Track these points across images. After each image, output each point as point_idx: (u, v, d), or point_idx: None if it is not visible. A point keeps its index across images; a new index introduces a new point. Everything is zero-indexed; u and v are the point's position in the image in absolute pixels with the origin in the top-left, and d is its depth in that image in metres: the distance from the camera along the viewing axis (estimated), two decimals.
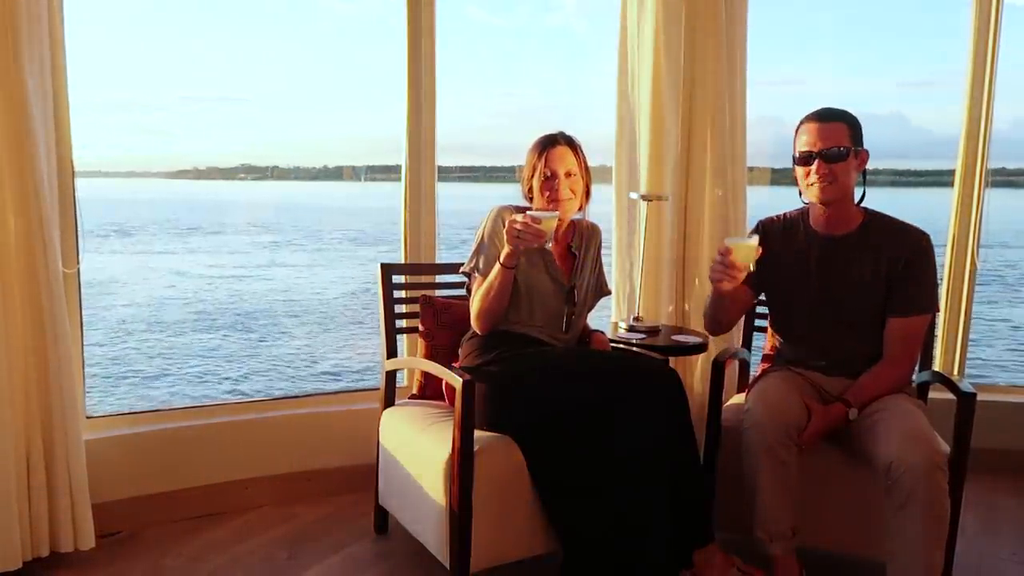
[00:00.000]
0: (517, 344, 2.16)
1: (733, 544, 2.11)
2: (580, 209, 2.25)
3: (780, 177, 2.22)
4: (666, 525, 1.92)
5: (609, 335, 2.52)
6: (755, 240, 1.93)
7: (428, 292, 2.58)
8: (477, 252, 2.18)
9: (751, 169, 3.00)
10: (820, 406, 2.03)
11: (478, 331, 2.16)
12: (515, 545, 2.00)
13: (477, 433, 1.95)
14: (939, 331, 3.06)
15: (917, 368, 2.34)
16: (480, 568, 1.95)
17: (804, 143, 2.05)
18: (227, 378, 7.59)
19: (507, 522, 1.98)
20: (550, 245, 2.04)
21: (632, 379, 2.01)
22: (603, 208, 2.93)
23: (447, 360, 2.29)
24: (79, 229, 2.33)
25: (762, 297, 2.53)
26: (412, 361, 2.61)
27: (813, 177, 2.03)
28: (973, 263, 3.05)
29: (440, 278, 2.73)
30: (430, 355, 2.41)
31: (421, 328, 2.46)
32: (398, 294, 2.54)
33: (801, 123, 2.07)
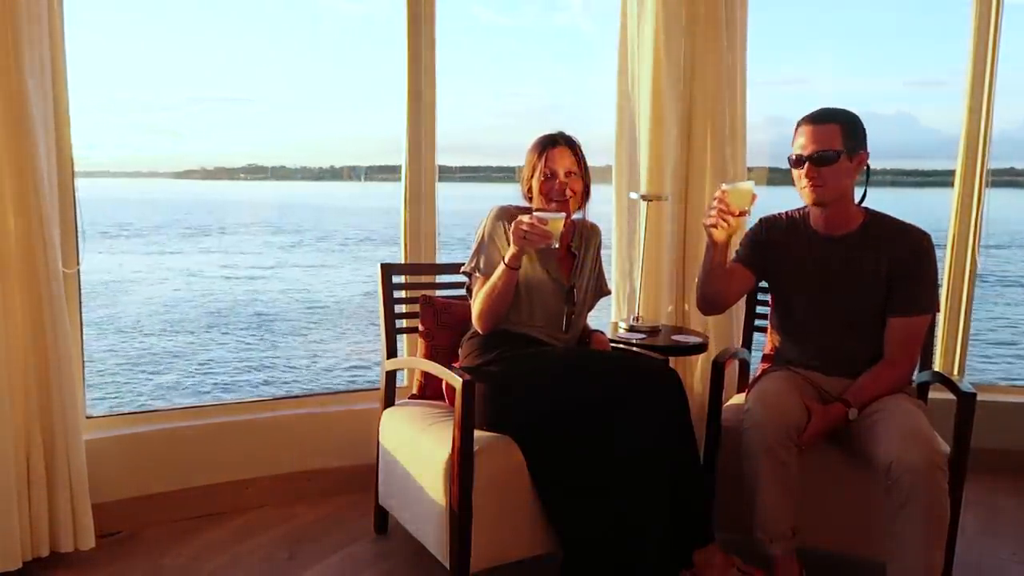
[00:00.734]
0: (517, 344, 2.16)
1: (733, 544, 2.11)
2: (579, 208, 2.25)
3: (775, 177, 2.22)
4: (666, 525, 1.92)
5: (609, 335, 2.52)
6: (750, 184, 1.97)
7: (428, 292, 2.58)
8: (477, 252, 2.18)
9: (750, 169, 3.00)
10: (820, 406, 2.03)
11: (480, 331, 2.16)
12: (515, 545, 2.01)
13: (477, 433, 1.95)
14: (939, 331, 3.06)
15: (917, 368, 2.34)
16: (480, 568, 1.95)
17: (798, 145, 2.06)
18: (249, 380, 7.60)
19: (507, 522, 1.98)
20: (556, 245, 2.03)
21: (632, 379, 2.01)
22: (603, 208, 2.93)
23: (447, 360, 2.29)
24: (79, 229, 2.33)
25: (763, 297, 2.54)
26: (412, 361, 2.61)
27: (804, 180, 2.04)
28: (973, 263, 3.05)
29: (440, 278, 2.74)
30: (430, 355, 2.41)
31: (421, 328, 2.46)
32: (398, 294, 2.54)
33: (797, 125, 2.08)
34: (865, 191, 2.13)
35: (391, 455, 2.27)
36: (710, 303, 2.22)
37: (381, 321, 2.47)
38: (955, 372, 3.10)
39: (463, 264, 2.26)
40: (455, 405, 1.93)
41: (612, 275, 3.06)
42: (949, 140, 3.09)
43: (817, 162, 2.01)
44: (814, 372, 2.16)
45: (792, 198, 2.19)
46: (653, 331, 2.68)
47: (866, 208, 2.14)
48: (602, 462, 1.91)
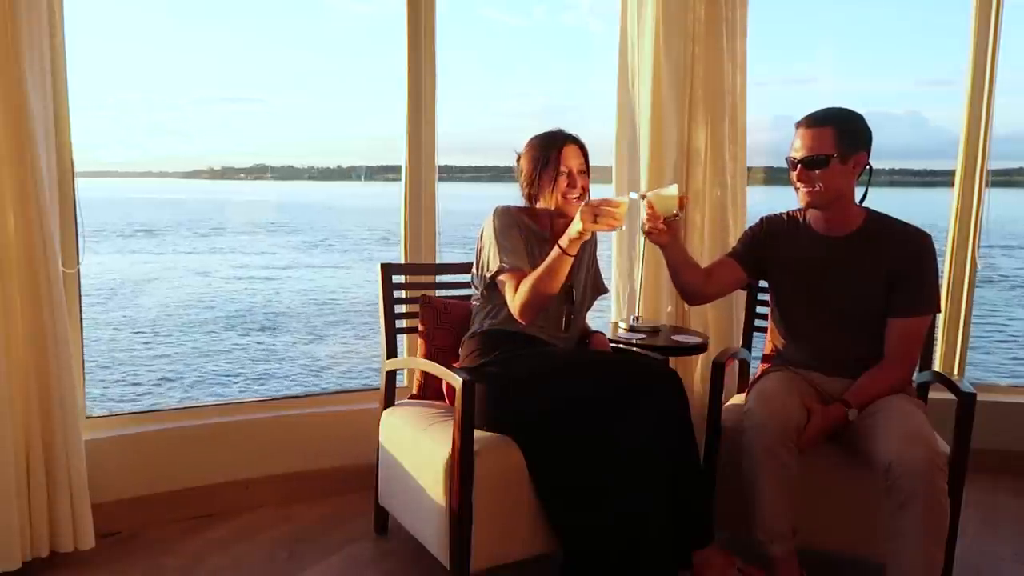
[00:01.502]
0: (517, 344, 2.16)
1: (733, 544, 2.11)
2: None
3: (775, 176, 2.23)
4: (666, 525, 1.92)
5: (609, 335, 2.52)
6: (674, 189, 2.02)
7: (428, 292, 2.58)
8: (501, 250, 2.12)
9: (750, 169, 3.01)
10: (820, 407, 2.03)
11: (525, 321, 2.09)
12: (515, 545, 2.00)
13: (477, 433, 1.94)
14: (939, 331, 3.06)
15: (917, 368, 2.34)
16: (480, 568, 1.95)
17: (792, 148, 2.07)
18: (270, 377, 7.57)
19: (507, 522, 1.98)
20: (624, 227, 1.99)
21: (632, 379, 2.01)
22: None
23: (447, 360, 2.29)
24: (79, 229, 2.33)
25: (763, 297, 2.55)
26: (412, 361, 2.61)
27: (797, 183, 2.06)
28: (973, 263, 3.05)
29: (440, 278, 2.74)
30: (430, 355, 2.41)
31: (421, 328, 2.46)
32: (398, 294, 2.54)
33: (795, 126, 2.08)
34: (866, 192, 2.13)
35: (391, 455, 2.27)
36: (686, 294, 2.28)
37: (381, 321, 2.47)
38: (955, 372, 3.10)
39: (463, 264, 2.25)
40: (455, 405, 1.93)
41: (612, 275, 3.07)
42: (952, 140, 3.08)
43: (808, 165, 2.02)
44: (814, 372, 2.17)
45: (783, 196, 2.19)
46: (653, 331, 2.68)
47: (867, 208, 2.14)
48: (602, 462, 1.91)
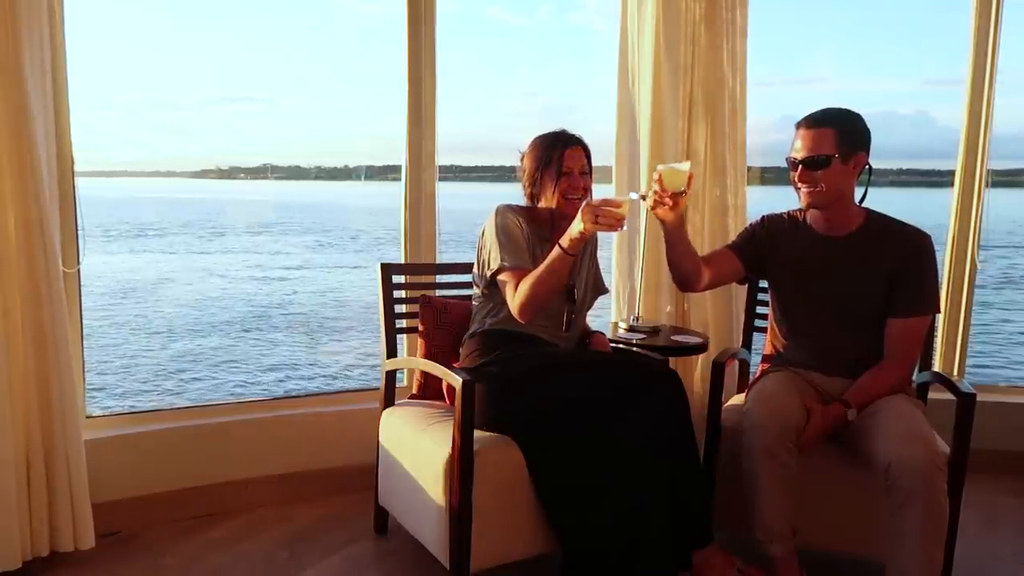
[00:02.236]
0: (518, 344, 2.16)
1: (733, 544, 2.11)
2: None
3: (779, 177, 2.23)
4: (665, 526, 1.92)
5: (609, 335, 2.52)
6: (686, 165, 2.00)
7: (428, 292, 2.58)
8: (501, 249, 2.12)
9: (750, 169, 3.01)
10: (820, 407, 2.03)
11: (525, 320, 2.09)
12: (515, 545, 2.01)
13: (477, 433, 1.95)
14: (939, 331, 3.06)
15: (917, 368, 2.34)
16: (480, 568, 1.95)
17: (793, 148, 2.07)
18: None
19: (507, 522, 1.98)
20: (625, 229, 1.99)
21: (632, 380, 2.01)
22: None
23: (447, 360, 2.29)
24: (79, 229, 2.33)
25: (762, 297, 2.55)
26: (412, 361, 2.61)
27: (798, 183, 2.07)
28: (973, 263, 3.05)
29: (440, 278, 2.74)
30: (430, 355, 2.41)
31: (421, 328, 2.46)
32: (398, 294, 2.54)
33: (795, 127, 2.08)
34: (866, 191, 2.13)
35: (391, 455, 2.27)
36: (679, 278, 2.23)
37: (381, 321, 2.47)
38: (955, 372, 3.10)
39: (463, 264, 2.25)
40: (455, 405, 1.93)
41: (612, 275, 3.06)
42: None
43: (809, 166, 2.03)
44: (813, 372, 2.17)
45: (784, 197, 2.20)
46: (653, 331, 2.68)
47: (867, 209, 2.14)
48: (602, 462, 1.91)
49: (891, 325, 2.07)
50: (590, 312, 2.41)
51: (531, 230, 2.19)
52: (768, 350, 2.38)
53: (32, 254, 2.05)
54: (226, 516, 2.57)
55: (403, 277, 2.66)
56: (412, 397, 2.47)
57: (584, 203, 1.96)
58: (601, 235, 2.41)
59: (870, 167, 2.10)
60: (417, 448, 2.12)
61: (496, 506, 1.95)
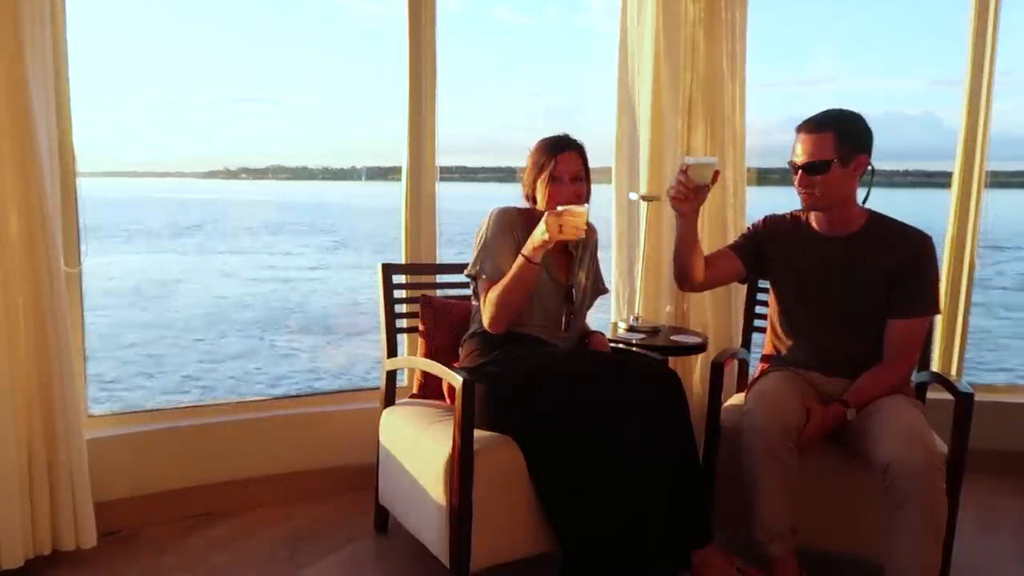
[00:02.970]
0: (517, 344, 2.16)
1: (732, 544, 2.12)
2: None
3: (785, 179, 2.24)
4: (665, 526, 1.93)
5: (609, 335, 2.53)
6: (712, 159, 2.03)
7: (428, 292, 2.58)
8: (481, 255, 2.17)
9: (750, 169, 3.01)
10: (819, 406, 2.04)
11: (494, 332, 2.14)
12: (515, 544, 2.01)
13: (477, 433, 1.95)
14: (937, 332, 3.07)
15: (916, 368, 2.35)
16: (480, 567, 1.96)
17: (794, 153, 2.08)
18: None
19: (507, 521, 1.99)
20: (583, 236, 2.03)
21: (632, 380, 2.02)
22: (603, 209, 2.94)
23: (447, 360, 2.29)
24: (81, 229, 2.34)
25: (762, 297, 2.55)
26: (412, 360, 2.61)
27: (799, 188, 2.08)
28: (972, 264, 3.06)
29: (440, 278, 2.74)
30: (430, 355, 2.42)
31: (421, 328, 2.47)
32: (399, 294, 2.55)
33: (796, 131, 2.08)
34: (868, 192, 2.13)
35: (391, 454, 2.28)
36: (682, 276, 2.24)
37: (381, 321, 2.47)
38: (953, 372, 3.10)
39: (463, 264, 2.26)
40: (455, 405, 1.94)
41: (612, 275, 3.07)
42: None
43: (810, 171, 2.04)
44: (813, 372, 2.17)
45: (790, 198, 2.20)
46: (653, 331, 2.69)
47: (869, 209, 2.14)
48: (601, 462, 1.91)
49: (891, 326, 2.08)
50: (590, 312, 2.42)
51: (525, 232, 2.19)
52: (768, 350, 2.38)
53: (34, 254, 2.06)
54: (227, 515, 2.58)
55: (403, 277, 2.67)
56: (412, 397, 2.48)
57: (547, 212, 1.99)
58: (602, 235, 2.43)
59: (872, 168, 2.10)
60: (417, 447, 2.13)
61: (496, 505, 1.96)
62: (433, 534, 2.03)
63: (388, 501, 2.36)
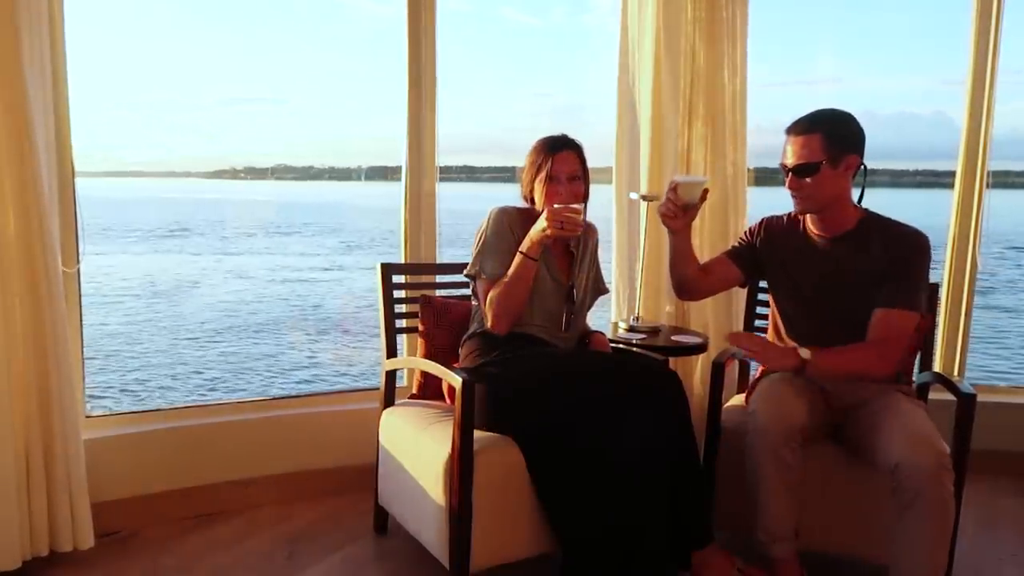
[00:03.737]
0: (518, 344, 2.16)
1: (733, 544, 2.11)
2: None
3: (779, 178, 2.25)
4: (665, 526, 1.92)
5: (609, 335, 2.52)
6: (702, 179, 2.07)
7: (428, 292, 2.58)
8: (481, 254, 2.17)
9: (751, 169, 3.01)
10: (778, 353, 2.01)
11: (499, 332, 2.14)
12: (515, 545, 2.00)
13: (477, 433, 1.94)
14: (939, 332, 3.06)
15: (917, 369, 2.34)
16: (480, 568, 1.95)
17: (784, 155, 2.08)
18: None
19: (507, 522, 1.98)
20: (580, 233, 2.07)
21: (632, 380, 2.01)
22: (604, 209, 2.93)
23: (447, 360, 2.28)
24: (79, 229, 2.33)
25: (762, 297, 2.55)
26: (412, 361, 2.61)
27: (789, 190, 2.08)
28: (974, 264, 3.05)
29: (440, 278, 2.73)
30: (430, 355, 2.41)
31: (421, 328, 2.46)
32: (398, 294, 2.54)
33: (785, 132, 2.08)
34: (862, 192, 2.12)
35: (391, 455, 2.27)
36: (679, 286, 2.29)
37: (381, 321, 2.47)
38: (955, 373, 3.09)
39: (463, 264, 2.26)
40: (455, 405, 1.93)
41: (612, 275, 3.06)
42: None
43: (799, 173, 2.03)
44: None
45: (783, 197, 2.20)
46: (653, 331, 2.68)
47: (864, 209, 2.14)
48: (602, 463, 1.91)
49: (874, 315, 2.04)
50: (590, 312, 2.42)
51: (524, 231, 2.19)
52: None
53: (32, 254, 2.05)
54: (226, 516, 2.57)
55: (403, 277, 2.66)
56: (412, 397, 2.47)
57: (547, 208, 2.02)
58: (602, 235, 2.43)
59: (865, 168, 2.08)
60: (417, 448, 2.12)
61: (496, 506, 1.95)
62: (433, 535, 2.02)
63: (388, 502, 2.36)
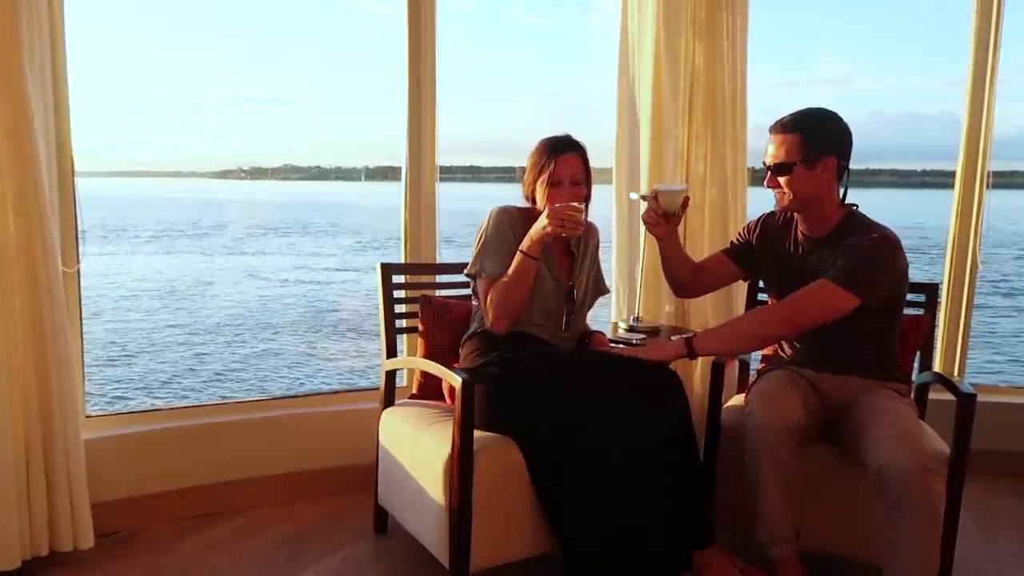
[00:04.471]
0: (518, 344, 2.16)
1: (733, 544, 2.11)
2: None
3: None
4: (666, 527, 1.92)
5: (609, 335, 2.52)
6: (681, 187, 2.11)
7: (428, 292, 2.57)
8: (481, 253, 2.16)
9: (751, 169, 3.00)
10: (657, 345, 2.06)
11: (499, 331, 2.14)
12: (515, 545, 2.00)
13: (477, 433, 1.94)
14: (939, 333, 3.05)
15: (917, 368, 2.34)
16: (480, 568, 1.95)
17: (765, 152, 2.11)
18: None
19: (507, 522, 1.98)
20: (625, 229, 2.11)
21: (632, 381, 2.01)
22: (604, 209, 2.93)
23: (447, 360, 2.28)
24: (79, 229, 2.33)
25: (762, 297, 2.55)
26: (412, 361, 2.60)
27: (768, 188, 2.11)
28: (974, 264, 3.05)
29: (440, 278, 2.73)
30: (430, 355, 2.41)
31: (421, 328, 2.46)
32: (398, 294, 2.54)
33: (768, 131, 2.10)
34: (845, 192, 2.12)
35: (391, 455, 2.27)
36: (674, 286, 2.37)
37: (381, 321, 2.47)
38: (955, 373, 3.09)
39: (463, 264, 2.26)
40: (455, 405, 1.93)
41: (612, 275, 3.06)
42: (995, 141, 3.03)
43: (775, 171, 2.07)
44: (808, 370, 2.17)
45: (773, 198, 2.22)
46: (653, 331, 2.68)
47: (848, 208, 2.13)
48: (602, 463, 1.90)
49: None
50: (589, 312, 2.42)
51: (525, 231, 2.18)
52: (768, 350, 2.38)
53: (32, 254, 2.05)
54: (226, 516, 2.57)
55: (403, 277, 2.66)
56: (412, 397, 2.47)
57: (548, 207, 2.03)
58: (602, 235, 2.43)
59: (846, 168, 2.08)
60: (417, 448, 2.12)
61: (496, 506, 1.95)
62: (433, 535, 2.02)
63: (387, 502, 2.35)
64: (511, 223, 2.17)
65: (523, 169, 2.24)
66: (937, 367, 3.05)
